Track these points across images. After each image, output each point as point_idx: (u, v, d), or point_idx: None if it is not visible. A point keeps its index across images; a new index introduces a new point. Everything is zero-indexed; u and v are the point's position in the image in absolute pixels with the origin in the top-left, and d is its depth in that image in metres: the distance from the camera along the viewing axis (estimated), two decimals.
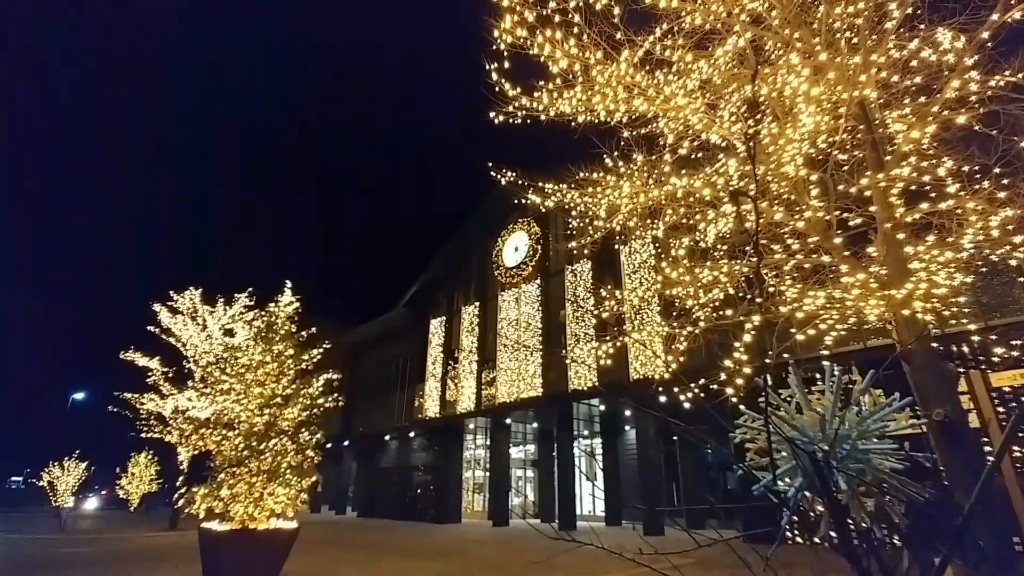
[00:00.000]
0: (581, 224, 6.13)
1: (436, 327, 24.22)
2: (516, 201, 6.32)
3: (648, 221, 5.89)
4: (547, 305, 18.98)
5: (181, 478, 17.46)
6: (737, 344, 4.78)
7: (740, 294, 5.52)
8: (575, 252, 17.18)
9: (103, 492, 43.29)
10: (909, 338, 3.87)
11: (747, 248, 5.44)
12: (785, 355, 5.23)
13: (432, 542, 14.06)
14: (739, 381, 4.38)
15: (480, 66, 5.22)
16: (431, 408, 22.78)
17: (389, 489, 25.35)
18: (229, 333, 17.84)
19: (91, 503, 39.91)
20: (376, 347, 29.33)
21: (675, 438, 17.40)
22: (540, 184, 6.07)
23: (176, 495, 17.54)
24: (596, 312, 7.45)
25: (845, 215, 4.61)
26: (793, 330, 4.43)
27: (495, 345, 20.53)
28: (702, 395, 5.65)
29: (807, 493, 2.10)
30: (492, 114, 5.16)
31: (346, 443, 28.97)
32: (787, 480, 2.16)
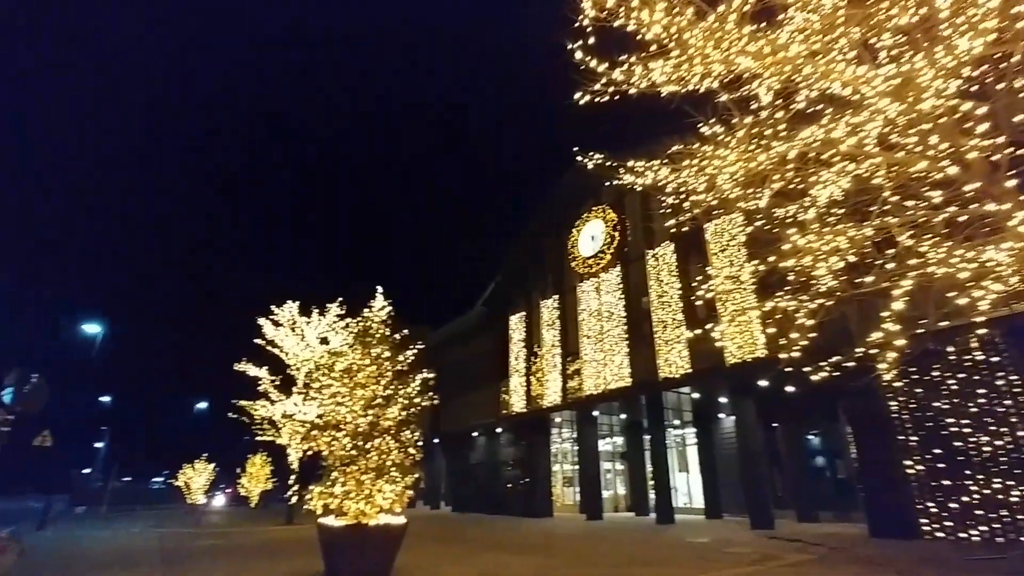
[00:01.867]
0: (676, 201, 5.77)
1: (516, 323, 24.34)
2: (605, 183, 6.08)
3: (749, 191, 5.43)
4: (629, 292, 18.39)
5: (293, 477, 18.82)
6: (884, 314, 4.23)
7: (868, 260, 4.93)
8: (668, 233, 16.11)
9: (228, 490, 47.94)
10: None
11: (872, 208, 4.84)
12: (942, 322, 4.61)
13: (527, 536, 14.11)
14: (892, 355, 3.87)
15: (560, 49, 5.06)
16: (516, 404, 22.94)
17: (479, 484, 25.91)
18: (324, 341, 19.02)
19: (219, 500, 44.47)
20: (457, 346, 30.04)
21: (775, 424, 16.24)
22: (630, 164, 5.79)
23: (289, 492, 19.05)
24: (701, 293, 7.03)
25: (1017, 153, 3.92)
26: (952, 293, 3.85)
27: (577, 337, 20.24)
28: (836, 374, 5.15)
29: None
30: (578, 95, 4.97)
31: (435, 440, 29.98)
32: None
